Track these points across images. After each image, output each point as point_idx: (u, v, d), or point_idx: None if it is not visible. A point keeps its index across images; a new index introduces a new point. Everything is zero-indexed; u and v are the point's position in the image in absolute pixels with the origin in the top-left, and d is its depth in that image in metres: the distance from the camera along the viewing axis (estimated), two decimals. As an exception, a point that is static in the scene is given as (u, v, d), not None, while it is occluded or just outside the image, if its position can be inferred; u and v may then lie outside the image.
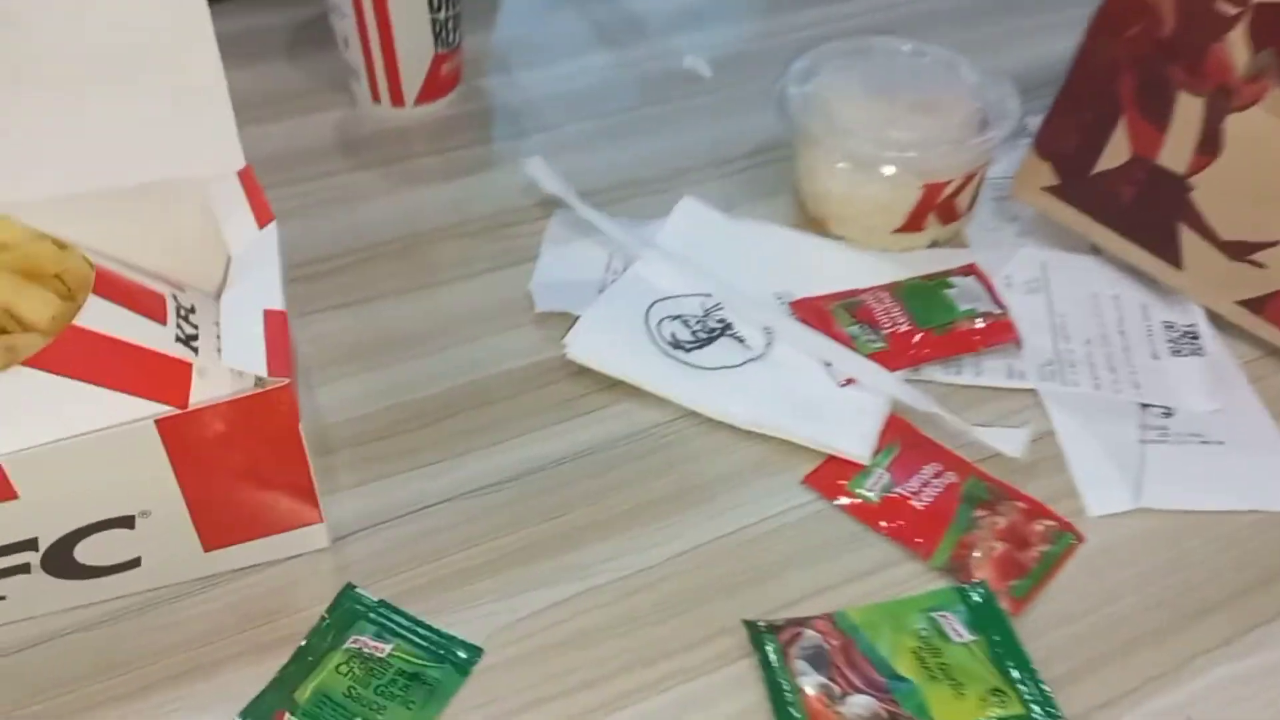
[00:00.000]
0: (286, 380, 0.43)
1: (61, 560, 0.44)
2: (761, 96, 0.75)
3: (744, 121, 0.74)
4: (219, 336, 0.48)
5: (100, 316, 0.45)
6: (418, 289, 0.63)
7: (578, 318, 0.59)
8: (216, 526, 0.46)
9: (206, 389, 0.46)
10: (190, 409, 0.43)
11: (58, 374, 0.43)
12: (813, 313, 0.59)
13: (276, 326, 0.45)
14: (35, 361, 0.43)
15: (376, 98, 0.74)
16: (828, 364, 0.57)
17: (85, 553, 0.44)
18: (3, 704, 0.44)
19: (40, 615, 0.46)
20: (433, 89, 0.74)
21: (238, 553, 0.48)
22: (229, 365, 0.43)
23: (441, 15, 0.71)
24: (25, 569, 0.44)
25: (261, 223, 0.51)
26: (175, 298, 0.49)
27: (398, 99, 0.74)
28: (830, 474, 0.52)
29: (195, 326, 0.48)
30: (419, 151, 0.73)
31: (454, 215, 0.68)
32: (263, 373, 0.43)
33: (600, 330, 0.58)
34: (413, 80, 0.73)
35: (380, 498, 0.52)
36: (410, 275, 0.64)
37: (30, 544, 0.43)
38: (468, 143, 0.74)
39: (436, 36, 0.72)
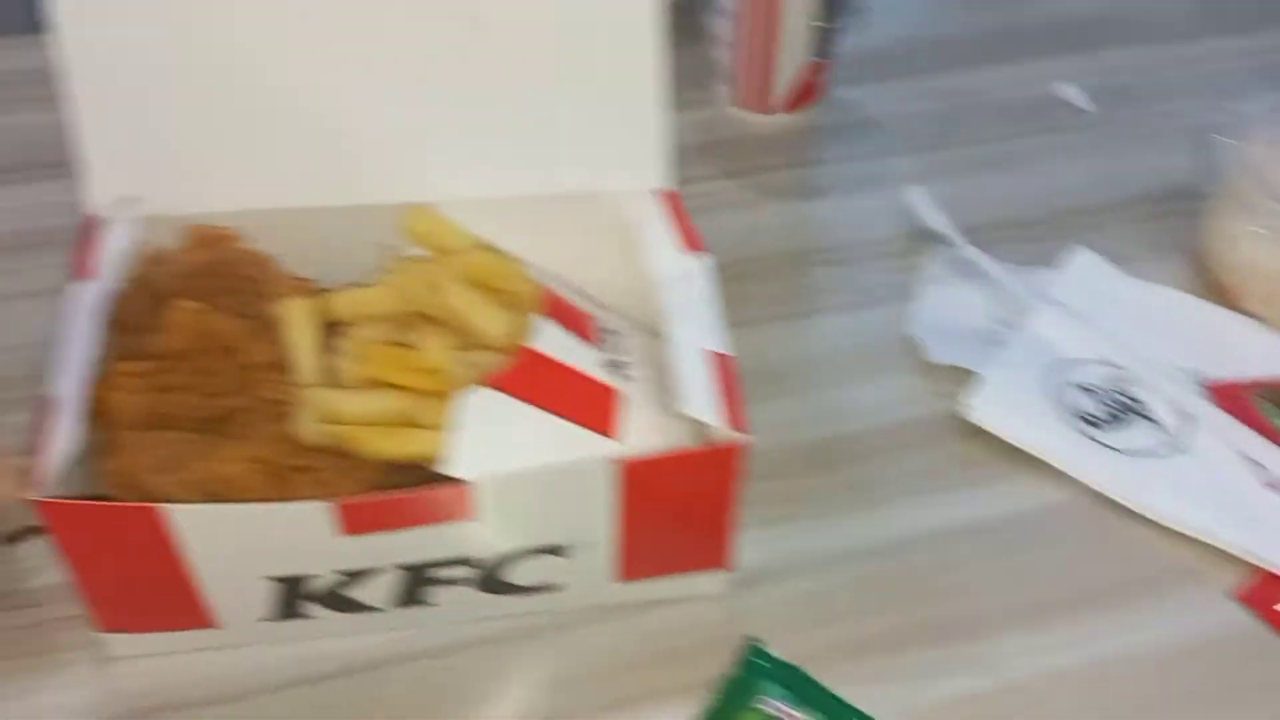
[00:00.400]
0: (746, 438, 0.42)
1: (493, 578, 0.44)
2: (1154, 136, 0.70)
3: (1134, 163, 0.69)
4: (646, 367, 0.47)
5: (548, 340, 0.44)
6: (786, 317, 0.61)
7: (968, 372, 0.56)
8: (634, 561, 0.45)
9: (634, 421, 0.45)
10: (651, 455, 0.42)
11: (514, 396, 0.42)
12: (1233, 400, 0.55)
13: (726, 371, 0.44)
14: (497, 381, 0.42)
15: (742, 102, 0.72)
16: (1257, 463, 0.52)
17: (515, 573, 0.44)
18: (407, 710, 0.45)
19: (452, 623, 0.46)
20: (802, 96, 0.72)
21: (643, 587, 0.47)
22: (689, 413, 0.42)
23: (829, 25, 0.68)
24: (459, 582, 0.44)
25: (689, 249, 0.49)
26: (599, 319, 0.48)
27: (763, 105, 0.72)
28: (1267, 593, 0.48)
29: (621, 352, 0.47)
30: (780, 164, 0.70)
31: (820, 239, 0.66)
32: (722, 426, 0.42)
33: (1004, 393, 0.54)
34: (784, 87, 0.71)
35: (770, 547, 0.50)
36: (776, 301, 0.62)
37: (469, 561, 0.43)
38: (832, 159, 0.71)
39: (818, 46, 0.69)
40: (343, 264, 0.50)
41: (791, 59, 0.69)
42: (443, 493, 0.40)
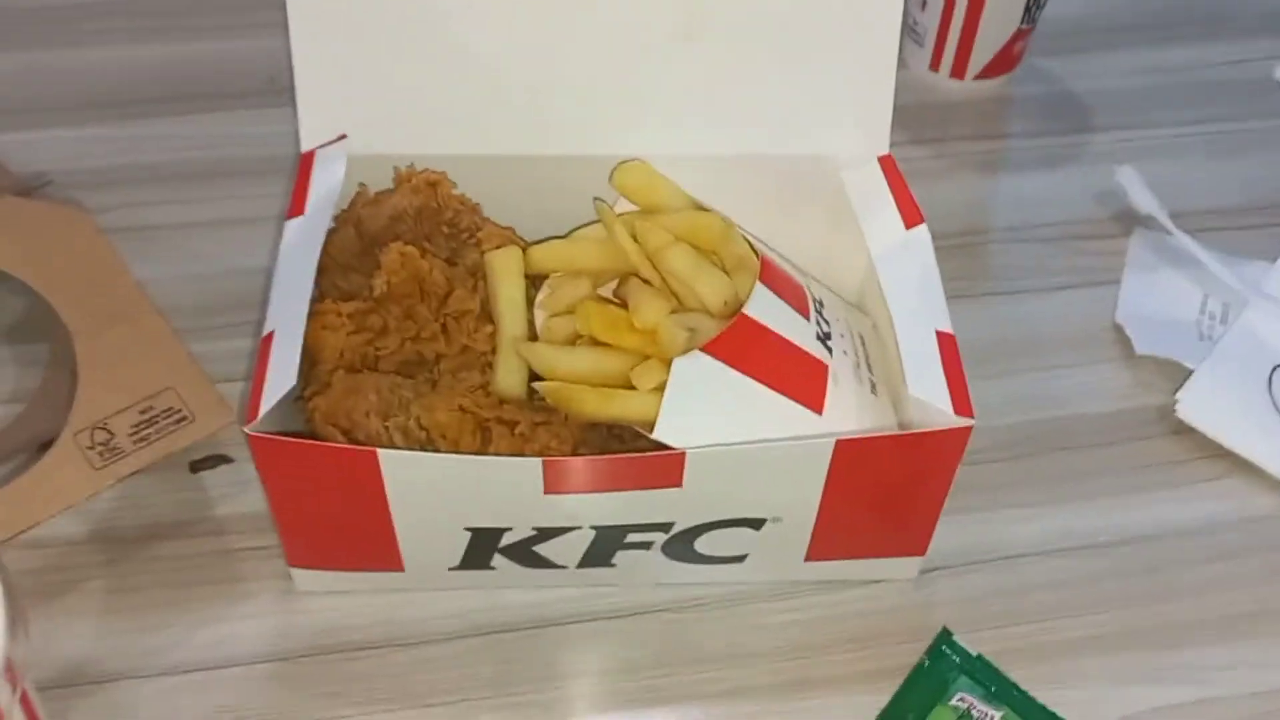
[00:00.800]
0: (971, 422, 0.40)
1: (681, 546, 0.43)
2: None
3: (1360, 157, 0.65)
4: (848, 339, 0.46)
5: (764, 308, 0.43)
6: (983, 295, 0.58)
7: (1177, 365, 0.53)
8: (829, 541, 0.44)
9: (837, 396, 0.43)
10: (875, 436, 0.40)
11: (729, 365, 0.41)
12: None
13: (950, 353, 0.42)
14: (713, 348, 0.41)
15: (936, 66, 0.68)
16: None
17: (704, 543, 0.43)
18: (581, 670, 0.44)
19: (631, 586, 0.46)
20: (999, 64, 0.68)
21: (831, 567, 0.45)
22: (915, 396, 0.40)
23: (1040, -11, 0.65)
24: (646, 546, 0.43)
25: (909, 222, 0.47)
26: (809, 288, 0.47)
27: (960, 70, 0.68)
28: None
29: (828, 324, 0.46)
30: (973, 134, 0.67)
31: (1017, 215, 0.62)
32: (949, 410, 0.40)
33: (1215, 391, 0.51)
34: (983, 53, 0.67)
35: (966, 533, 0.48)
36: (974, 278, 0.59)
37: (665, 527, 0.42)
38: (1029, 131, 0.67)
39: (1026, 10, 0.66)
40: (544, 214, 0.49)
41: (998, 24, 0.66)
42: (655, 459, 0.39)
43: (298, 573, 0.44)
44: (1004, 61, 0.68)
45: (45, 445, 0.45)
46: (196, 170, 0.61)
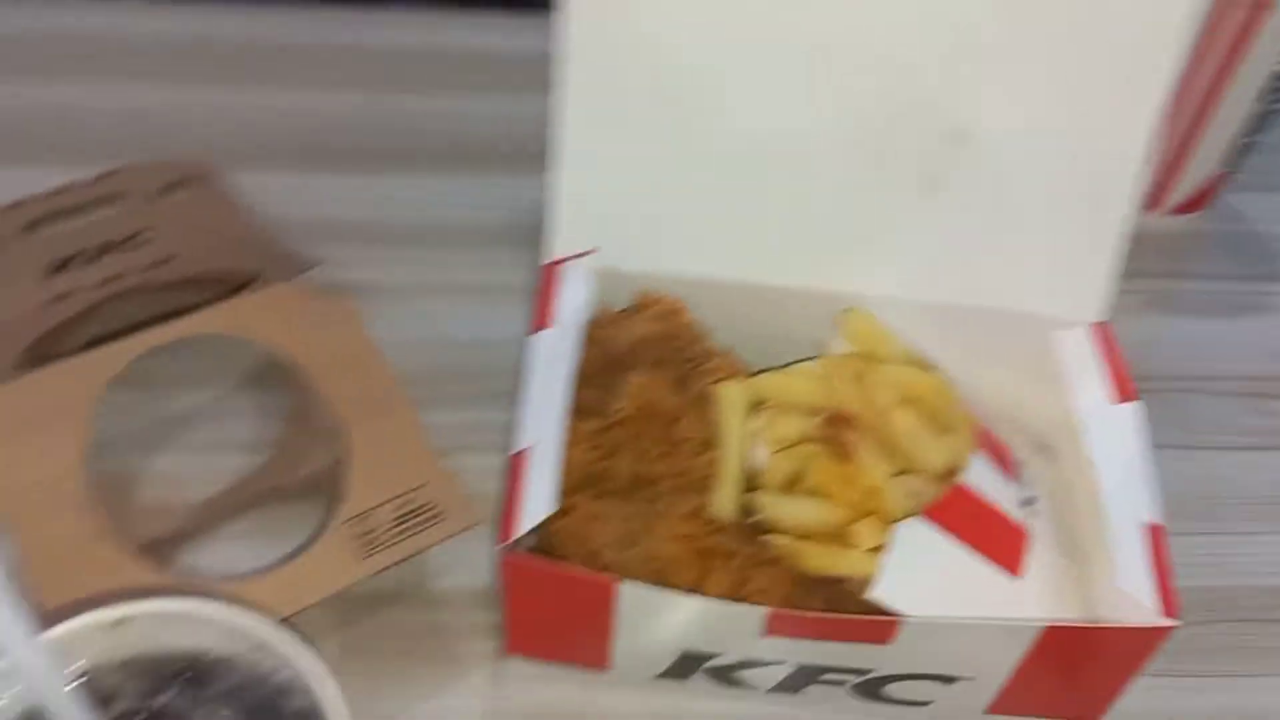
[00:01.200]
0: (1175, 623, 0.42)
1: (870, 688, 0.46)
2: None
3: None
4: (1044, 499, 0.47)
5: (979, 476, 0.45)
6: (1158, 447, 0.59)
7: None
8: (1012, 700, 0.46)
9: (1034, 562, 0.45)
10: (1079, 625, 0.42)
11: (946, 531, 0.43)
12: None
13: (1159, 548, 0.44)
14: (932, 516, 0.43)
15: (1132, 197, 0.70)
16: None
17: (894, 689, 0.46)
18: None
19: (821, 711, 0.48)
20: (1194, 202, 0.69)
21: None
22: (1120, 588, 0.42)
23: (1250, 139, 0.65)
24: (838, 684, 0.46)
25: (1121, 396, 0.49)
26: (1014, 450, 0.49)
27: (1154, 204, 0.69)
28: None
29: (1029, 486, 0.48)
30: (1158, 271, 0.67)
31: (1198, 363, 0.63)
32: (1154, 610, 0.42)
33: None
34: (1183, 190, 0.68)
35: (1134, 698, 0.48)
36: (1159, 428, 0.59)
37: (862, 672, 0.45)
38: (1216, 274, 0.68)
39: (1232, 156, 0.66)
40: (762, 339, 0.51)
41: (1203, 164, 0.67)
42: (873, 621, 0.41)
43: (513, 660, 0.48)
44: (1200, 199, 0.69)
45: (278, 496, 0.50)
46: (421, 230, 0.64)
